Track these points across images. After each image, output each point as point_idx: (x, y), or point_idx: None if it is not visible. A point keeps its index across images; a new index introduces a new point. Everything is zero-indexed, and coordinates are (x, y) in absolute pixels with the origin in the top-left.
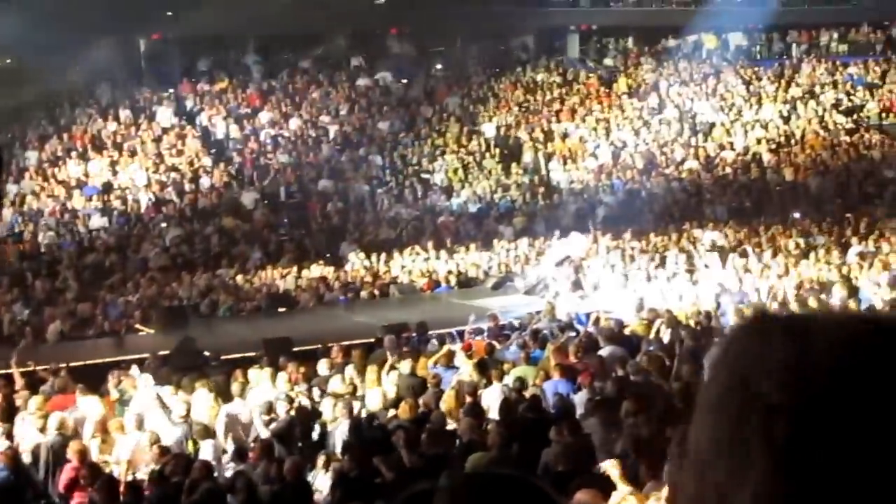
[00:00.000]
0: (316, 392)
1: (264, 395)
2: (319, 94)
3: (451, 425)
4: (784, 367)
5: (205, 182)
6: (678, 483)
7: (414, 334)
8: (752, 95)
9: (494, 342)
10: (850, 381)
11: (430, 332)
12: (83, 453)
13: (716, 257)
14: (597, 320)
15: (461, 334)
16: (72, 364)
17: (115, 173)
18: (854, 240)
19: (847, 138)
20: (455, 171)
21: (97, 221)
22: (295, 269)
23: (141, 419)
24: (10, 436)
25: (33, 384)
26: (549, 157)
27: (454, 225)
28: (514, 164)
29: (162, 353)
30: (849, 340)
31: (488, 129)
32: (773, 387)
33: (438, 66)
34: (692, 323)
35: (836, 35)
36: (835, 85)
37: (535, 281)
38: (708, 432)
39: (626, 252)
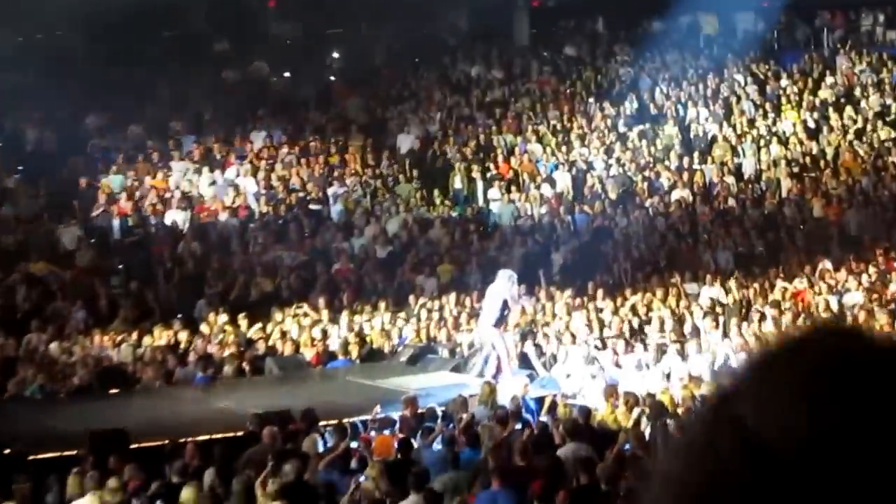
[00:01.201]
0: None
1: None
2: (171, 90)
3: None
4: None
5: (6, 211)
6: None
7: (299, 426)
8: (768, 100)
9: (411, 437)
10: None
11: (320, 424)
12: None
13: (715, 322)
14: (552, 407)
15: (364, 426)
16: None
17: None
18: None
19: None
20: (357, 200)
21: None
22: (133, 334)
23: None
24: None
25: None
26: (487, 183)
27: (355, 275)
28: (438, 192)
29: None
30: None
31: (404, 143)
32: None
33: (335, 56)
34: (682, 412)
35: (882, 17)
36: (880, 86)
37: (467, 353)
38: None
39: (593, 314)
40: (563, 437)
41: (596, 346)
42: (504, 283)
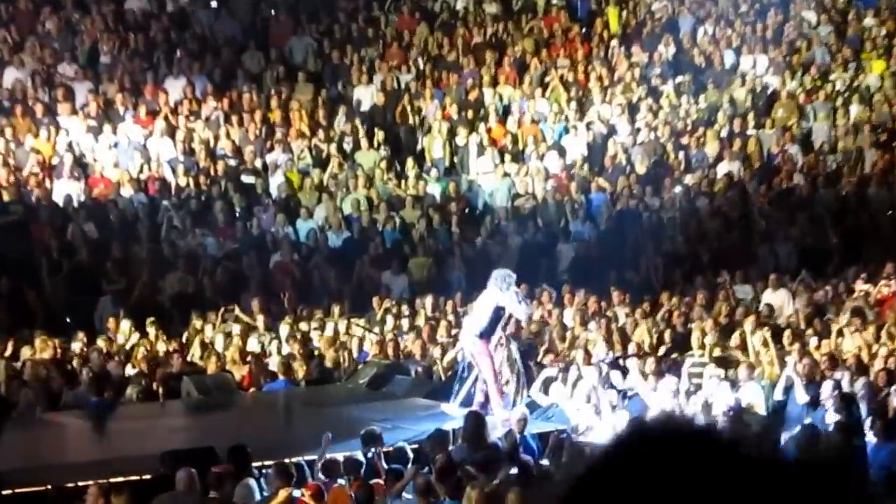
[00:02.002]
0: None
1: None
2: (57, 26)
3: None
4: None
5: None
6: None
7: (229, 471)
8: (847, 46)
9: (373, 482)
10: None
11: (254, 465)
12: None
13: (774, 338)
14: (558, 447)
15: (311, 468)
16: None
17: None
18: None
19: None
20: (304, 171)
21: None
22: (8, 345)
23: None
24: None
25: None
26: (476, 151)
27: (301, 270)
28: (411, 161)
29: None
30: None
31: (365, 97)
32: None
33: None
34: None
35: None
36: None
37: (446, 374)
38: None
39: (613, 325)
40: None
41: (617, 367)
42: (499, 287)
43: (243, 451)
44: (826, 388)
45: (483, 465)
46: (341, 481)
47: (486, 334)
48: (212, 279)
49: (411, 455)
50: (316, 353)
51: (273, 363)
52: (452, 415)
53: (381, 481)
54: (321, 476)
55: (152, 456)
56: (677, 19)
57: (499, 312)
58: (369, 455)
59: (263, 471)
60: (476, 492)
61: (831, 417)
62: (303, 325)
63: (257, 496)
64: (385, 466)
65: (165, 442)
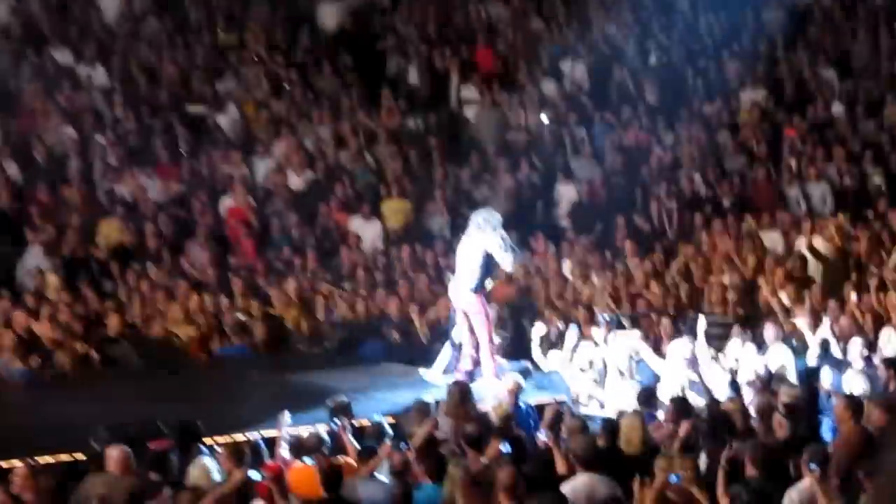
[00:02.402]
0: None
1: None
2: None
3: None
4: None
5: None
6: None
7: (172, 447)
8: None
9: (342, 460)
10: None
11: (205, 441)
12: None
13: (807, 292)
14: (557, 420)
15: (270, 446)
16: None
17: None
18: None
19: None
20: (260, 102)
21: None
22: None
23: None
24: None
25: None
26: (460, 76)
27: (257, 216)
28: (384, 89)
29: None
30: None
31: (328, 15)
32: None
33: None
34: (759, 428)
35: None
36: None
37: (427, 336)
38: None
39: (620, 279)
40: (573, 465)
41: (624, 328)
42: (481, 229)
43: (191, 426)
44: (855, 348)
45: (469, 441)
46: (306, 460)
47: (480, 287)
48: (154, 227)
49: (387, 431)
50: (274, 313)
51: (226, 325)
52: (434, 382)
53: (352, 460)
54: (283, 454)
55: (85, 432)
56: None
57: (489, 259)
58: (336, 429)
59: (213, 449)
60: (461, 472)
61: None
62: (260, 281)
63: (217, 478)
64: (355, 443)
65: (100, 416)
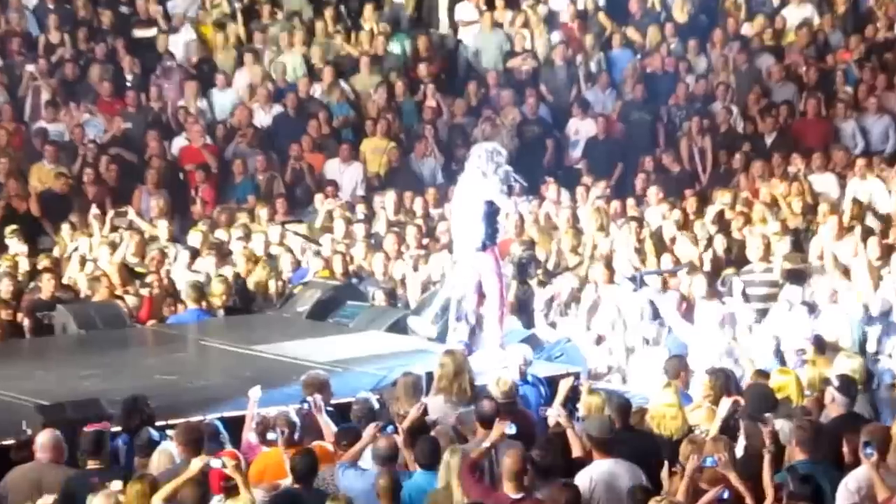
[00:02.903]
0: None
1: None
2: None
3: None
4: None
5: None
6: None
7: (118, 430)
8: None
9: (316, 445)
10: None
11: (158, 424)
12: None
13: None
14: (571, 397)
15: (232, 430)
16: None
17: None
18: None
19: None
20: (220, 22)
21: None
22: None
23: None
24: None
25: None
26: None
27: (215, 156)
28: (367, 8)
29: None
30: None
31: None
32: None
33: None
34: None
35: None
36: None
37: (418, 296)
38: None
39: (645, 230)
40: (590, 448)
41: (643, 284)
42: (481, 169)
43: (139, 405)
44: None
45: (483, 420)
46: (276, 440)
47: (490, 240)
48: (95, 172)
49: (376, 408)
50: (236, 270)
51: (176, 284)
52: (422, 333)
53: (329, 445)
54: (250, 438)
55: (12, 413)
56: None
57: (494, 206)
58: (309, 408)
59: (165, 432)
60: (457, 458)
61: None
62: (220, 234)
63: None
64: (332, 425)
65: (32, 394)
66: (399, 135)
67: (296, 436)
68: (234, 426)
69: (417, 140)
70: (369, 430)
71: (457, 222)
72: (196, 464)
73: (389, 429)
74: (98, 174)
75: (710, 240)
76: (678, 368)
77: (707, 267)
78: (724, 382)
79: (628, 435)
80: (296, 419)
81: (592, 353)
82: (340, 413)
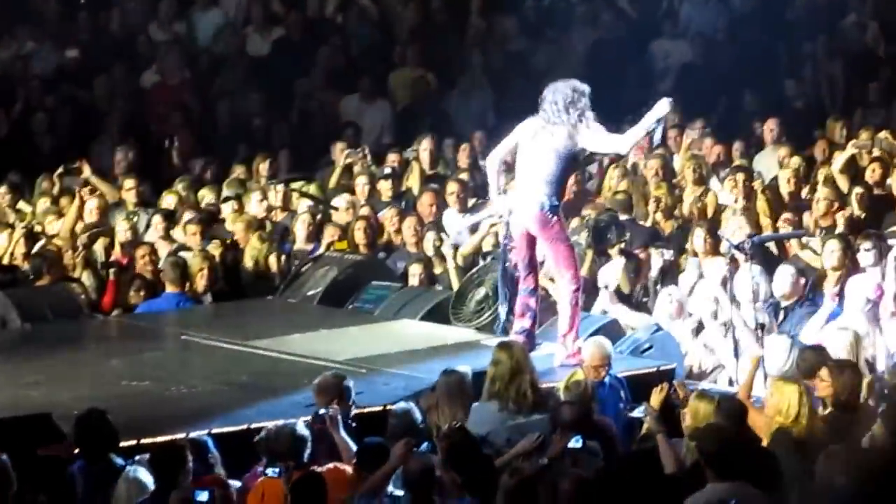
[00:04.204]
0: None
1: None
2: None
3: None
4: None
5: None
6: None
7: (74, 453)
8: None
9: (328, 468)
10: None
11: (123, 444)
12: None
13: None
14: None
15: (221, 448)
16: None
17: None
18: None
19: None
20: None
21: None
22: None
23: None
24: None
25: None
26: None
27: (197, 97)
28: None
29: None
30: None
31: None
32: None
33: None
34: None
35: None
36: None
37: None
38: None
39: (756, 184)
40: (687, 466)
41: (766, 257)
42: (561, 114)
43: (101, 422)
44: None
45: (565, 428)
46: (272, 471)
47: (555, 204)
48: (43, 116)
49: (419, 420)
50: (229, 243)
51: (151, 265)
52: (474, 347)
53: (347, 467)
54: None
55: None
56: None
57: (569, 161)
58: (323, 422)
59: (135, 459)
60: (515, 482)
61: None
62: (205, 195)
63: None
64: (351, 442)
65: None
66: (436, 64)
67: (304, 456)
68: (228, 444)
69: (460, 69)
70: (398, 449)
71: (519, 175)
72: (177, 495)
73: (424, 446)
74: (45, 119)
75: (843, 194)
76: (816, 364)
77: (841, 229)
78: (851, 373)
79: (754, 450)
80: (305, 434)
81: (692, 346)
82: (363, 427)
